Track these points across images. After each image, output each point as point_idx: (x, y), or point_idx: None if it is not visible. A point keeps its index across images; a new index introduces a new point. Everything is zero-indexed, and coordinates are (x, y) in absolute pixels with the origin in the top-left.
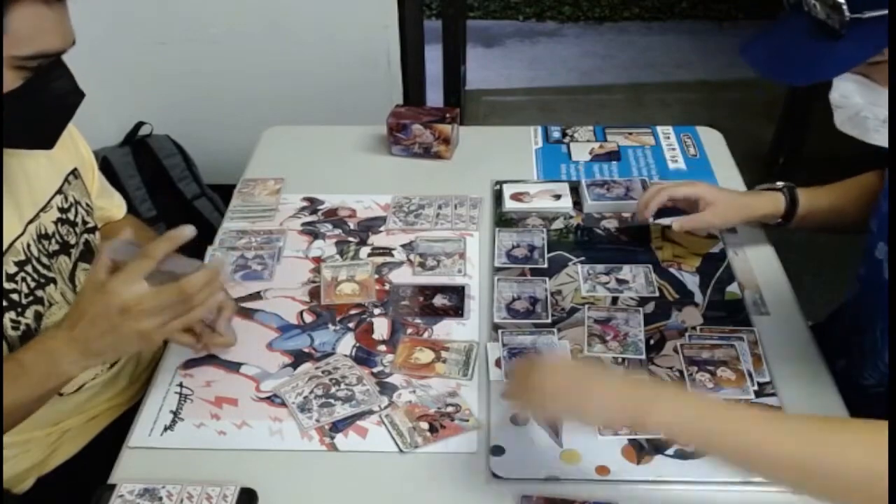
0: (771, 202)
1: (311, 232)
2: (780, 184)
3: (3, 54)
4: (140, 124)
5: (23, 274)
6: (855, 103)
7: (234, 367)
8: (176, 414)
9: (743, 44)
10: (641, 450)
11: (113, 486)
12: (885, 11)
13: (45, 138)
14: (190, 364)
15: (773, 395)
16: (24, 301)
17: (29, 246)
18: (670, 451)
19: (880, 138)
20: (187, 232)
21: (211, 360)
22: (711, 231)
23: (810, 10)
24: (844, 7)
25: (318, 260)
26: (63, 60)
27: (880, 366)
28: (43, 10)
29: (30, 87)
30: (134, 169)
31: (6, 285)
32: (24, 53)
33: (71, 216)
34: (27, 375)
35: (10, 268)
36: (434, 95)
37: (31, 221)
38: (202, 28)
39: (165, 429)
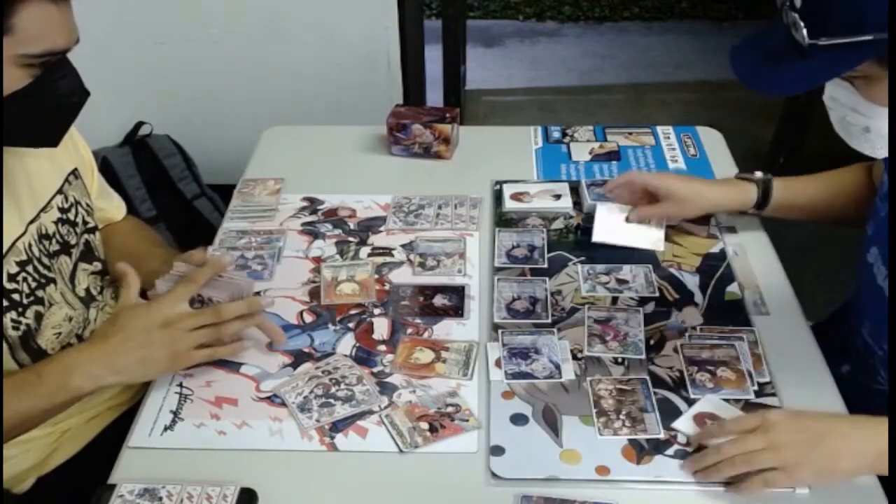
0: (739, 194)
1: (311, 232)
2: (758, 174)
3: (12, 53)
4: (140, 124)
5: (24, 274)
6: (841, 107)
7: (234, 367)
8: (176, 414)
9: (732, 48)
10: (641, 450)
11: (113, 486)
12: (844, 40)
13: (51, 136)
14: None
15: (773, 395)
16: (25, 301)
17: (30, 246)
18: (670, 451)
19: (862, 145)
20: (227, 260)
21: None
22: (670, 221)
23: (788, 25)
24: (804, 32)
25: (318, 260)
26: (68, 59)
27: (877, 367)
28: (51, 8)
29: (36, 85)
30: (134, 169)
31: (7, 285)
32: (32, 52)
33: (71, 216)
34: (42, 385)
35: (11, 267)
36: (434, 95)
37: (31, 221)
38: (202, 28)
39: (165, 429)
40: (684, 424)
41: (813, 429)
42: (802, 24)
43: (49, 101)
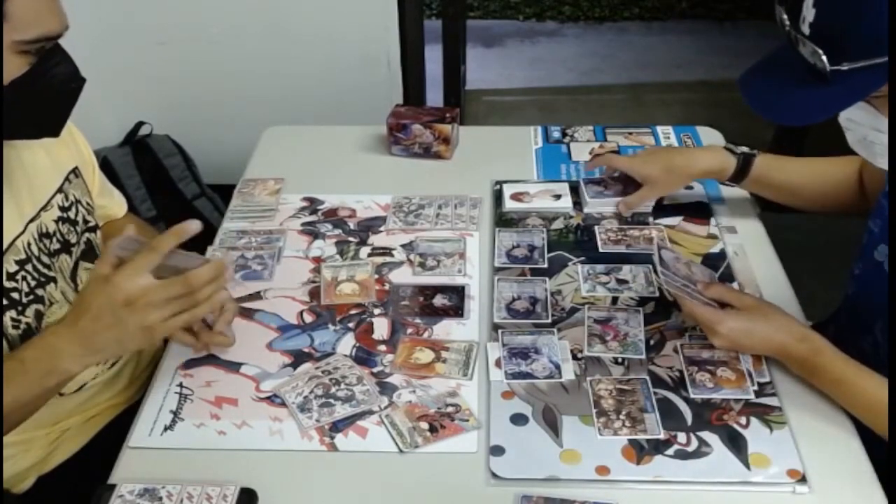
0: (714, 159)
1: (311, 232)
2: (742, 148)
3: (9, 40)
4: (140, 124)
5: (23, 273)
6: (861, 127)
7: (234, 367)
8: (176, 414)
9: (742, 77)
10: (641, 450)
11: (113, 486)
12: (868, 62)
13: (52, 125)
14: (190, 364)
15: (773, 395)
16: (24, 300)
17: (30, 245)
18: (670, 451)
19: (886, 163)
20: (193, 227)
21: (211, 360)
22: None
23: (802, 53)
24: (824, 59)
25: (318, 260)
26: (61, 45)
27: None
28: None
29: (33, 73)
30: (134, 169)
31: (7, 284)
32: (27, 37)
33: (72, 215)
34: (27, 373)
35: (10, 266)
36: (434, 95)
37: (31, 220)
38: (202, 28)
39: (165, 429)
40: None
41: (759, 322)
42: (821, 51)
43: (47, 89)
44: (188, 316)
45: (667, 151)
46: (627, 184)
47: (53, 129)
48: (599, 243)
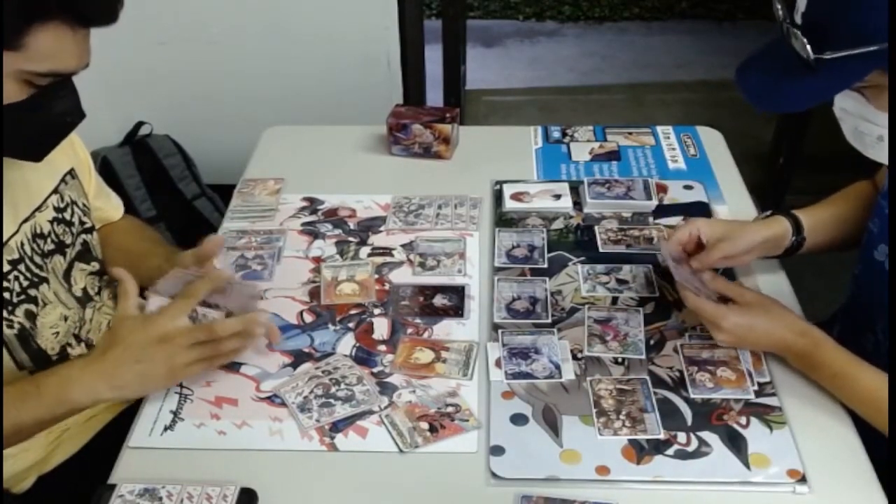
0: (775, 224)
1: (311, 232)
2: (771, 212)
3: (16, 68)
4: (140, 124)
5: (15, 272)
6: (852, 117)
7: (234, 367)
8: (176, 414)
9: (738, 69)
10: (641, 450)
11: (113, 486)
12: (850, 52)
13: (36, 152)
14: None
15: (773, 395)
16: (14, 300)
17: (23, 244)
18: (670, 451)
19: (877, 154)
20: (227, 274)
21: None
22: (733, 263)
23: (794, 45)
24: (808, 47)
25: (318, 260)
26: (71, 79)
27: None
28: (67, 33)
29: (32, 101)
30: (134, 169)
31: None
32: (36, 70)
33: (67, 216)
34: (39, 397)
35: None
36: (434, 95)
37: (25, 220)
38: (202, 28)
39: (165, 429)
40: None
41: (760, 326)
42: (805, 40)
43: (41, 118)
44: (207, 364)
45: (731, 221)
46: (630, 187)
47: (36, 156)
48: (599, 243)
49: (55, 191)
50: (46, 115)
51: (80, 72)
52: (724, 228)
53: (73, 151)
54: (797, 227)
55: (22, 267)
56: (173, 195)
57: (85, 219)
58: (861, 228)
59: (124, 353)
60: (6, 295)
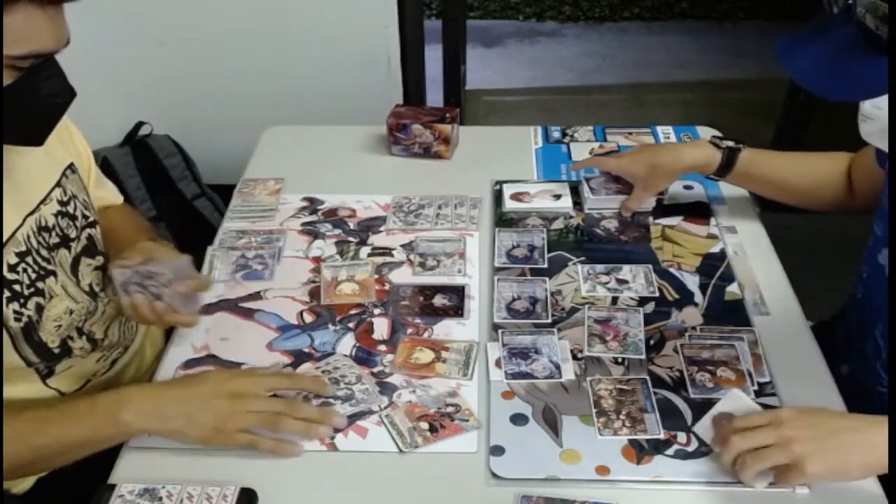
0: (699, 153)
1: (311, 232)
2: (728, 142)
3: None
4: (140, 124)
5: (24, 265)
6: (886, 115)
7: (234, 367)
8: None
9: (781, 47)
10: (641, 450)
11: (113, 486)
12: None
13: (35, 135)
14: (190, 364)
15: (773, 395)
16: (25, 292)
17: (29, 237)
18: (670, 451)
19: None
20: (329, 389)
21: (211, 359)
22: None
23: (860, 19)
24: (881, 27)
25: (318, 260)
26: (55, 59)
27: (879, 368)
28: (37, 12)
29: (20, 85)
30: (134, 169)
31: (8, 275)
32: (16, 53)
33: (70, 209)
34: (94, 414)
35: (11, 258)
36: (434, 95)
37: (31, 213)
38: (202, 28)
39: None
40: (703, 430)
41: (824, 424)
42: (883, 9)
43: (33, 102)
44: (253, 440)
45: (651, 149)
46: (627, 182)
47: (37, 140)
48: (599, 243)
49: (58, 184)
50: (36, 97)
51: (63, 50)
52: (641, 170)
53: (73, 146)
54: (730, 162)
55: (30, 259)
56: (173, 195)
57: (87, 213)
58: (814, 192)
59: (187, 389)
60: (17, 288)
